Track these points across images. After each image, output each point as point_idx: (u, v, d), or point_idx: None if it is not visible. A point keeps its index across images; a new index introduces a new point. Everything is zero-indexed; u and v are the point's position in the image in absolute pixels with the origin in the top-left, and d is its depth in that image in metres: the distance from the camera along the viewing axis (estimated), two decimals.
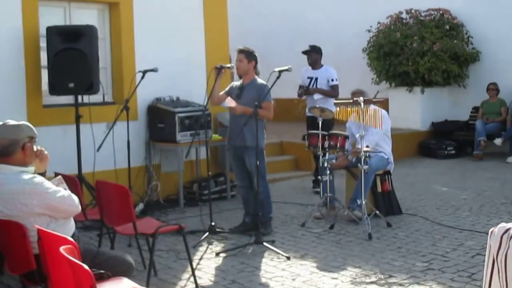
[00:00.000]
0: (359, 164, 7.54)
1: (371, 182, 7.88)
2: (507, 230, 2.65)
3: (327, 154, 8.07)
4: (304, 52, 10.14)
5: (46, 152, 4.65)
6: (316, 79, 9.94)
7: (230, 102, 7.44)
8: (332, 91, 9.75)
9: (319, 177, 8.12)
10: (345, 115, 7.91)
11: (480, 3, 13.75)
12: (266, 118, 7.48)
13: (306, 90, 9.90)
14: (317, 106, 8.31)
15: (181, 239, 5.94)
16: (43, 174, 4.55)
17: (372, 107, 7.85)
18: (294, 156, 11.72)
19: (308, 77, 10.05)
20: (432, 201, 8.95)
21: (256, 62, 7.53)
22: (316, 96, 9.80)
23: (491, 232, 2.73)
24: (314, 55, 10.03)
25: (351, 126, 8.31)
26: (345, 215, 7.88)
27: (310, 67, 10.09)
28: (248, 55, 7.48)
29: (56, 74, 7.97)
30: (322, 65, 10.06)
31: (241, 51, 7.52)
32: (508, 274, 2.60)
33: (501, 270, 2.61)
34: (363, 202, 7.44)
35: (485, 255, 2.75)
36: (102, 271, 4.06)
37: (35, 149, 4.57)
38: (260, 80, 7.52)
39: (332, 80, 9.81)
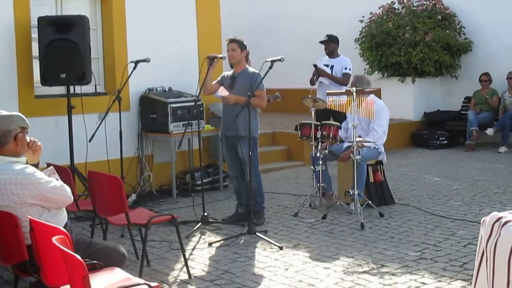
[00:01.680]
0: (351, 155, 7.54)
1: (365, 171, 7.89)
2: (499, 218, 2.66)
3: (319, 144, 8.07)
4: (322, 42, 10.48)
5: (39, 144, 4.65)
6: (332, 66, 10.34)
7: (222, 92, 7.45)
8: (343, 79, 10.11)
9: (312, 167, 8.12)
10: (338, 105, 7.88)
11: None
12: (259, 106, 7.49)
13: (316, 68, 10.24)
14: (309, 96, 8.29)
15: (174, 229, 5.94)
16: (36, 165, 4.54)
17: (370, 98, 7.81)
18: (287, 146, 11.72)
19: (324, 65, 10.41)
20: (425, 191, 8.97)
21: (247, 52, 7.56)
22: (326, 82, 10.14)
23: (483, 221, 2.75)
24: (331, 44, 10.41)
25: (347, 116, 8.32)
26: (338, 205, 7.90)
27: (326, 56, 10.47)
28: (240, 44, 7.50)
29: (48, 64, 7.93)
30: (339, 55, 10.45)
31: (233, 41, 7.52)
32: (496, 261, 2.61)
33: (490, 258, 2.62)
34: (356, 193, 7.45)
35: (477, 245, 2.77)
36: (94, 262, 4.05)
37: (28, 140, 4.56)
38: (251, 69, 7.53)
39: (345, 68, 10.21)
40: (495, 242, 2.62)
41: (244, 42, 7.56)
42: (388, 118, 8.25)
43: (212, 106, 9.59)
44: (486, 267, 2.66)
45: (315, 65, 10.37)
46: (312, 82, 10.43)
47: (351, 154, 7.53)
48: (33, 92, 8.35)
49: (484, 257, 2.67)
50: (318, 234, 7.00)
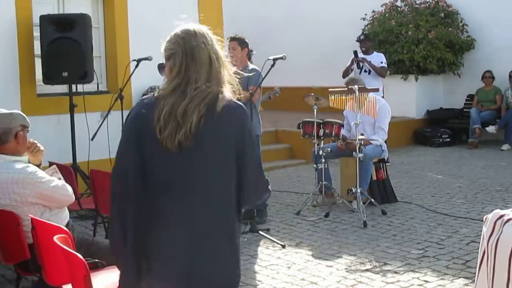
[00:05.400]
0: (354, 153, 7.52)
1: (370, 170, 7.88)
2: (501, 216, 2.65)
3: (322, 142, 8.06)
4: (358, 40, 11.06)
5: (41, 148, 4.63)
6: (369, 62, 10.65)
7: None
8: (381, 70, 10.63)
9: (314, 165, 8.10)
10: (341, 103, 7.88)
11: None
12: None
13: (356, 55, 10.56)
14: (312, 94, 8.27)
15: None
16: (38, 166, 4.53)
17: (371, 95, 7.84)
18: (289, 144, 11.71)
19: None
20: (427, 189, 8.96)
21: (249, 49, 7.54)
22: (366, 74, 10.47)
23: (486, 218, 2.74)
24: (368, 43, 11.01)
25: (348, 114, 8.32)
26: (341, 203, 7.89)
27: (361, 53, 10.83)
28: (241, 42, 7.47)
29: (50, 63, 7.93)
30: (373, 51, 11.02)
31: (233, 39, 7.49)
32: (497, 259, 2.60)
33: (491, 256, 2.61)
34: (358, 191, 7.43)
35: (479, 243, 2.75)
36: (96, 260, 4.05)
37: (29, 139, 4.55)
38: (252, 66, 7.50)
39: (382, 62, 10.70)
40: (496, 239, 2.61)
41: (246, 40, 7.53)
42: (390, 116, 8.25)
43: None
44: (487, 264, 2.65)
45: (355, 52, 10.55)
46: (347, 71, 10.50)
47: (354, 152, 7.51)
48: (35, 91, 8.35)
49: (486, 255, 2.66)
50: (321, 232, 7.00)
